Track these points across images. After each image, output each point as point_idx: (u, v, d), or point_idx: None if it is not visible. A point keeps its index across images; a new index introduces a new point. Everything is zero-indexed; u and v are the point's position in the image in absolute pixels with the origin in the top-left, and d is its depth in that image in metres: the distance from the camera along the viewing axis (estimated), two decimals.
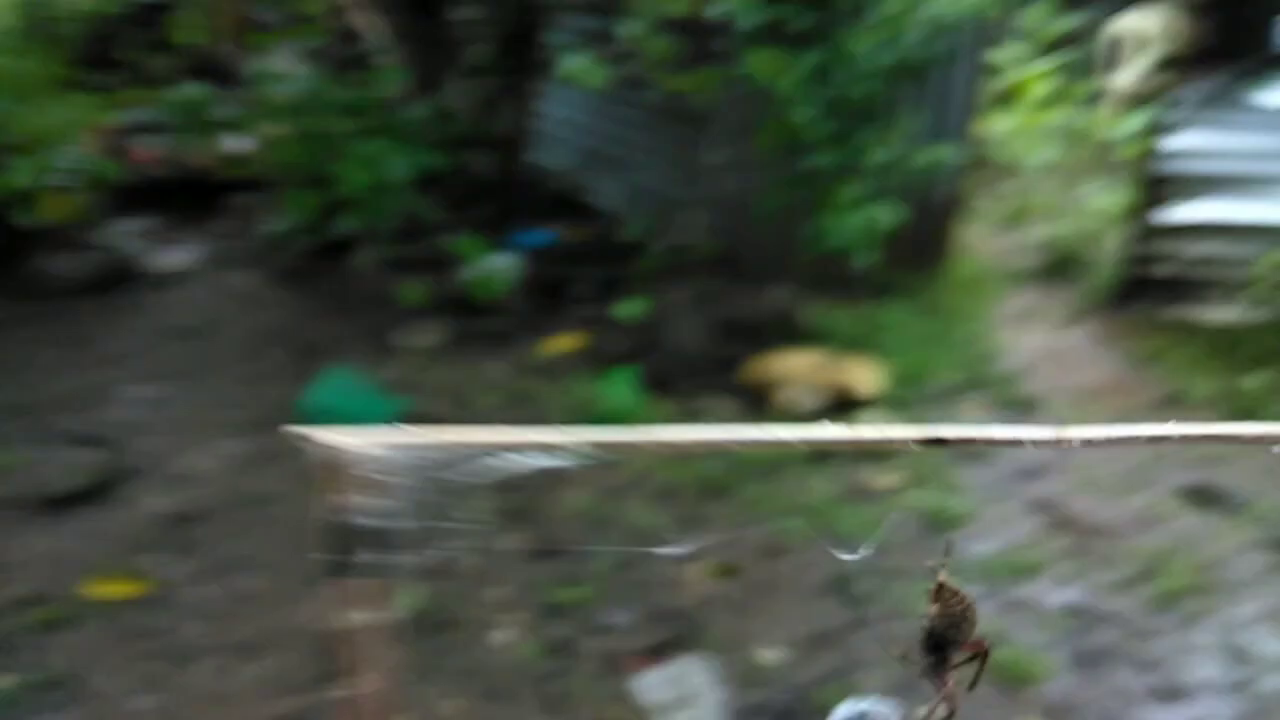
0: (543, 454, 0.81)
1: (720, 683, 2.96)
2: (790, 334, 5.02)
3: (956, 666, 0.95)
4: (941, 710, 0.95)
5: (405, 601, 3.26)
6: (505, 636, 3.14)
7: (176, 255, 6.13)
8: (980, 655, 0.97)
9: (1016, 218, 7.17)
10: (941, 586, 0.94)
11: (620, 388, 4.34)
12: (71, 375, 4.86)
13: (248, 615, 3.24)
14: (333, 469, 0.75)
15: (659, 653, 3.04)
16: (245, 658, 3.06)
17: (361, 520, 0.73)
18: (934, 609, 0.94)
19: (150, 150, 6.58)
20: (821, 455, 4.24)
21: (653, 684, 2.88)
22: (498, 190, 5.83)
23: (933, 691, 0.94)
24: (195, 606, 3.29)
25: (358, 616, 0.73)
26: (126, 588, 3.37)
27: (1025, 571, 3.58)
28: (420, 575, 3.42)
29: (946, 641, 0.95)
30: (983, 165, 7.63)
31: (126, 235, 6.33)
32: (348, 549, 0.72)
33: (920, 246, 5.77)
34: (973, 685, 0.97)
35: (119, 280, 5.86)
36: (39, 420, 4.43)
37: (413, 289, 4.92)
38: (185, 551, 3.56)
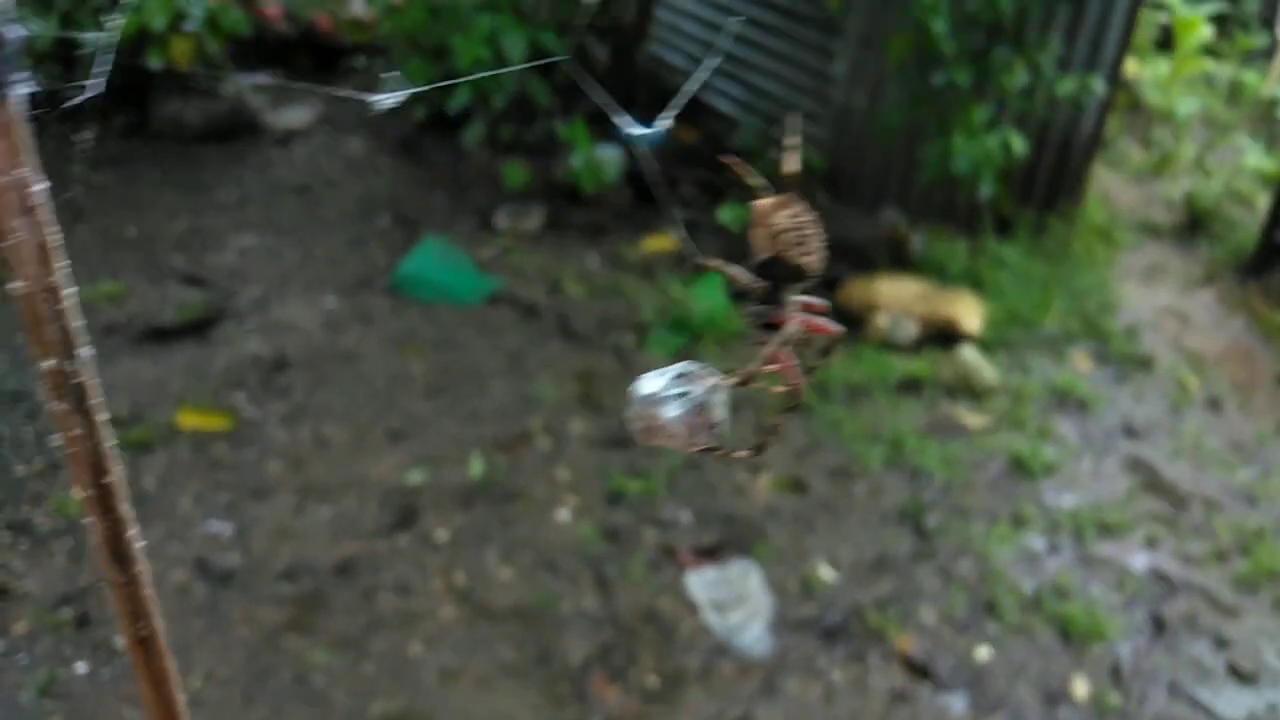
0: None
1: (773, 591, 2.93)
2: (897, 260, 4.83)
3: (797, 317, 0.63)
4: (778, 378, 0.61)
5: (476, 468, 3.31)
6: (567, 515, 3.17)
7: (295, 114, 6.21)
8: (831, 343, 0.65)
9: (1159, 168, 6.69)
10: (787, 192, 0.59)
11: (711, 292, 4.25)
12: (188, 217, 5.02)
13: (325, 461, 3.34)
14: None
15: (715, 553, 3.02)
16: (318, 500, 3.16)
17: None
18: (773, 222, 0.60)
19: (275, 6, 6.63)
20: (913, 385, 4.10)
21: (706, 581, 2.87)
22: (613, 80, 5.69)
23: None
24: (278, 447, 3.40)
25: None
26: (216, 421, 3.51)
27: (1111, 530, 3.42)
28: (494, 445, 3.47)
29: (786, 271, 0.64)
30: (1131, 108, 7.12)
31: (250, 89, 6.45)
32: None
33: (1051, 184, 5.44)
34: (813, 370, 0.70)
35: (241, 132, 6.01)
36: (153, 257, 4.61)
37: (517, 171, 4.89)
38: (274, 395, 3.68)
